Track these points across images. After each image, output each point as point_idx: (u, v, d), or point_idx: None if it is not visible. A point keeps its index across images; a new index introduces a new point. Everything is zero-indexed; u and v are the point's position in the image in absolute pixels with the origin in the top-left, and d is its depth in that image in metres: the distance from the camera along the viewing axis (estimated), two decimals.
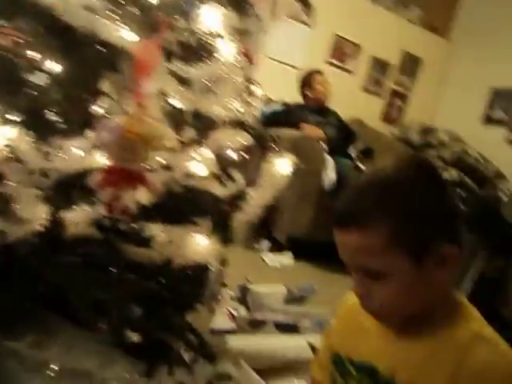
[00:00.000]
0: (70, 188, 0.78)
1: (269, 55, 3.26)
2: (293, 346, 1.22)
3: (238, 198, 0.95)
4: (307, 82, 2.99)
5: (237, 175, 1.02)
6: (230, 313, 1.43)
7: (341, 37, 3.49)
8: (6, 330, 0.77)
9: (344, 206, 0.66)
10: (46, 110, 0.75)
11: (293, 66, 3.32)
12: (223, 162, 1.00)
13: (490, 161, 3.20)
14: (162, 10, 0.74)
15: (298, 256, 2.50)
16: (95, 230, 0.73)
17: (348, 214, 0.64)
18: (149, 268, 0.85)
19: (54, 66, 0.74)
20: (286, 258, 2.48)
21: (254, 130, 1.02)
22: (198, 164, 0.90)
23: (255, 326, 1.34)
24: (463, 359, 0.62)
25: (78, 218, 0.72)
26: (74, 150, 0.78)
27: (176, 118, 0.84)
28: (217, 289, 0.94)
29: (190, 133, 0.90)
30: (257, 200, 0.95)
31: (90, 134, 0.76)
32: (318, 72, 3.00)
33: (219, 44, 0.88)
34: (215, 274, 0.90)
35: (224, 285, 1.04)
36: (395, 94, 3.82)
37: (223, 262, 1.12)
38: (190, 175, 0.84)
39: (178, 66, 0.84)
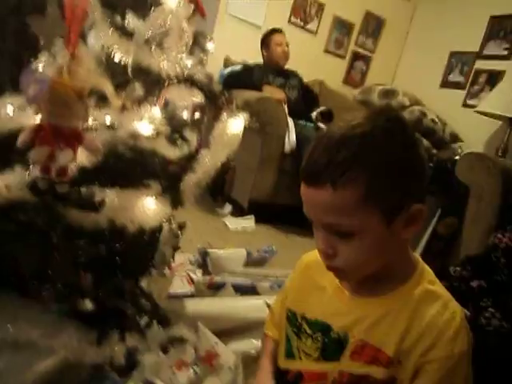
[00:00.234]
0: (1, 149, 0.72)
1: (230, 12, 3.13)
2: (251, 306, 1.23)
3: (189, 159, 0.91)
4: (266, 41, 2.89)
5: (189, 135, 0.97)
6: (189, 277, 1.42)
7: None
8: None
9: (316, 161, 0.61)
10: None
11: (255, 25, 3.20)
12: (174, 122, 0.95)
13: (447, 123, 3.28)
14: None
15: (260, 220, 2.51)
16: (31, 194, 0.67)
17: (321, 170, 0.59)
18: (96, 233, 0.81)
19: None
20: (248, 222, 2.48)
21: (206, 87, 0.97)
22: (146, 123, 0.85)
23: (214, 288, 1.34)
24: (414, 315, 0.64)
25: (11, 181, 0.66)
26: (5, 109, 0.72)
27: (118, 73, 0.78)
28: (168, 253, 0.91)
29: (135, 89, 0.84)
30: (210, 161, 0.91)
31: (20, 89, 0.70)
32: (278, 31, 2.90)
33: None
34: (166, 237, 0.88)
35: (178, 248, 1.02)
36: (357, 55, 3.79)
37: (180, 225, 1.09)
38: (136, 135, 0.79)
39: (119, 16, 0.77)
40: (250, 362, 1.04)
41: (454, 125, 3.26)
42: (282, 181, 2.58)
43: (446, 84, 3.54)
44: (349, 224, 0.60)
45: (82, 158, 0.72)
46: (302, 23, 3.45)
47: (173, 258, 1.02)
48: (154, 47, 0.83)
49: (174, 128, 0.94)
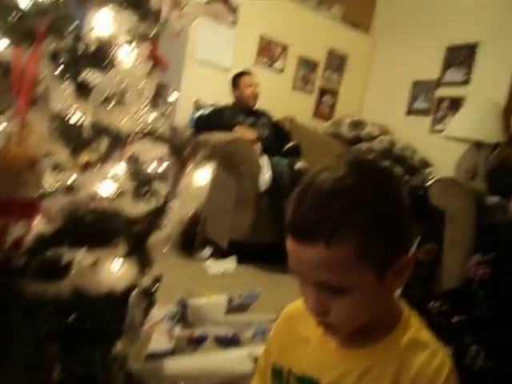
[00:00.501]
0: None
1: (197, 58, 3.19)
2: (235, 359, 1.17)
3: (157, 214, 0.88)
4: (235, 83, 2.96)
5: (157, 188, 0.95)
6: (169, 332, 1.36)
7: (266, 37, 3.50)
8: None
9: (306, 216, 0.58)
10: None
11: (223, 67, 3.27)
12: (140, 176, 0.93)
13: (416, 150, 3.36)
14: (41, 17, 0.66)
15: (240, 259, 2.47)
16: None
17: (313, 227, 0.57)
18: (60, 302, 0.76)
19: None
20: (229, 263, 2.44)
21: (170, 139, 0.96)
22: (109, 182, 0.82)
23: (195, 343, 1.28)
24: (401, 366, 0.62)
25: None
26: None
27: (76, 135, 0.76)
28: (139, 315, 0.86)
29: (96, 149, 0.82)
30: (178, 214, 0.89)
31: None
32: (246, 73, 2.98)
33: (120, 50, 0.81)
34: (136, 300, 0.83)
35: (153, 305, 0.97)
36: (324, 90, 3.90)
37: (156, 279, 1.05)
38: (97, 197, 0.76)
39: (73, 77, 0.76)
40: None
41: (423, 150, 3.34)
42: (260, 219, 2.56)
43: (411, 112, 3.65)
44: (340, 281, 0.58)
45: (40, 225, 0.69)
46: (269, 62, 3.55)
47: (147, 316, 0.97)
48: (112, 105, 0.82)
49: (141, 182, 0.92)
